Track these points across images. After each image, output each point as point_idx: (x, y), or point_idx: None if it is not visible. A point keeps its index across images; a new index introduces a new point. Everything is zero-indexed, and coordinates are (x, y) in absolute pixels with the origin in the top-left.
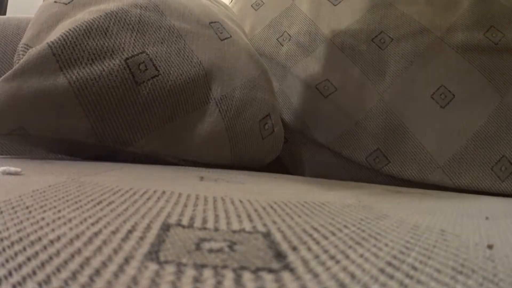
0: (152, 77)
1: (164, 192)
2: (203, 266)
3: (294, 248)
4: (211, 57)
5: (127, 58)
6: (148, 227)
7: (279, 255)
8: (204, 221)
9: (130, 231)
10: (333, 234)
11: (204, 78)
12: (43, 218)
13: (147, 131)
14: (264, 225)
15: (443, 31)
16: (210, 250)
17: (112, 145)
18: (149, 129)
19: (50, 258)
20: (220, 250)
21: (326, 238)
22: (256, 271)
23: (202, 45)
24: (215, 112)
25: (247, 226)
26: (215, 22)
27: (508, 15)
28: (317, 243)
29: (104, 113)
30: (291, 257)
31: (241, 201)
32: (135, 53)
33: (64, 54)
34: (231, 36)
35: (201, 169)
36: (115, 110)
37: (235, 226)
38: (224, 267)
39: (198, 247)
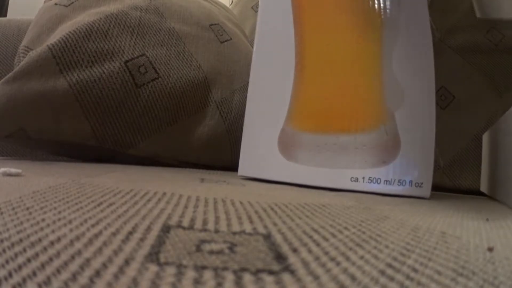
0: (152, 80)
1: (164, 194)
2: (204, 267)
3: (295, 250)
4: (210, 60)
5: (127, 61)
6: (148, 229)
7: (280, 257)
8: (205, 222)
9: (130, 233)
10: (334, 236)
11: (204, 81)
12: (43, 219)
13: (148, 134)
14: (265, 226)
15: (443, 33)
16: (211, 252)
17: (112, 147)
18: (149, 131)
19: (51, 259)
20: (220, 252)
21: (326, 239)
22: (256, 272)
23: (201, 48)
24: (216, 114)
25: (248, 227)
26: (215, 24)
27: (508, 16)
28: (318, 244)
29: (105, 116)
30: (292, 259)
31: (241, 203)
32: (135, 55)
33: (64, 56)
34: (231, 39)
35: (201, 171)
36: (116, 112)
37: (236, 227)
38: (225, 268)
39: (198, 248)
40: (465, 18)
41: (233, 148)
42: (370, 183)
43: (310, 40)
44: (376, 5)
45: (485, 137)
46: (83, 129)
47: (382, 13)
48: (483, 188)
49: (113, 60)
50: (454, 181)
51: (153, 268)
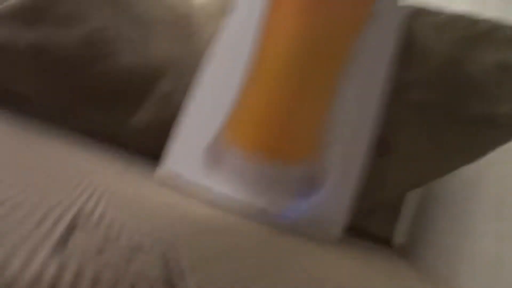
0: (108, 55)
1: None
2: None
3: (186, 273)
4: (169, 50)
5: (91, 31)
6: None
7: (172, 277)
8: (109, 228)
9: (40, 221)
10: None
11: (157, 69)
12: None
13: (92, 107)
14: (161, 243)
15: (402, 83)
16: (107, 262)
17: (57, 111)
18: (93, 105)
19: None
20: (116, 263)
21: (224, 265)
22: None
23: (166, 36)
24: (159, 104)
25: (146, 242)
26: (187, 14)
27: (474, 86)
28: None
29: (56, 78)
30: (187, 278)
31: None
32: (101, 27)
33: (36, 12)
34: (197, 32)
35: (128, 159)
36: (67, 77)
37: (134, 241)
38: (118, 280)
39: (100, 252)
40: (429, 74)
41: (170, 139)
42: (286, 214)
43: (268, 58)
44: (341, 42)
45: (412, 195)
46: (33, 85)
47: (346, 52)
48: (397, 240)
49: (78, 28)
50: (371, 227)
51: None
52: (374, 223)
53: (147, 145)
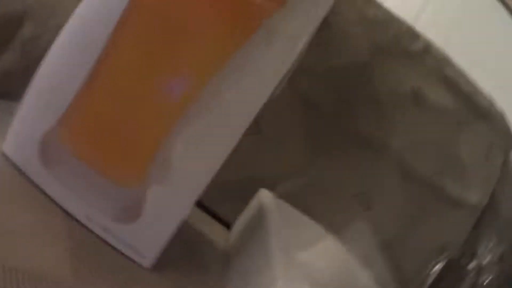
0: None
1: None
2: None
3: None
4: None
5: None
6: None
7: None
8: None
9: None
10: None
11: (23, 14)
12: None
13: None
14: None
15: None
16: None
17: None
18: None
19: None
20: None
21: None
22: None
23: None
24: (17, 52)
25: None
26: None
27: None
28: None
29: None
30: None
31: None
32: None
33: None
34: None
35: None
36: None
37: None
38: None
39: None
40: (332, 70)
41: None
42: (103, 230)
43: (118, 53)
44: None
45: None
46: None
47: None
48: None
49: None
50: (218, 208)
51: None
52: (222, 205)
53: (10, 92)
